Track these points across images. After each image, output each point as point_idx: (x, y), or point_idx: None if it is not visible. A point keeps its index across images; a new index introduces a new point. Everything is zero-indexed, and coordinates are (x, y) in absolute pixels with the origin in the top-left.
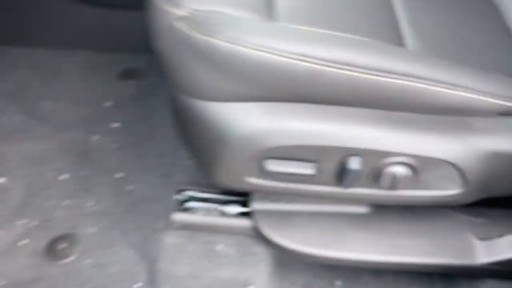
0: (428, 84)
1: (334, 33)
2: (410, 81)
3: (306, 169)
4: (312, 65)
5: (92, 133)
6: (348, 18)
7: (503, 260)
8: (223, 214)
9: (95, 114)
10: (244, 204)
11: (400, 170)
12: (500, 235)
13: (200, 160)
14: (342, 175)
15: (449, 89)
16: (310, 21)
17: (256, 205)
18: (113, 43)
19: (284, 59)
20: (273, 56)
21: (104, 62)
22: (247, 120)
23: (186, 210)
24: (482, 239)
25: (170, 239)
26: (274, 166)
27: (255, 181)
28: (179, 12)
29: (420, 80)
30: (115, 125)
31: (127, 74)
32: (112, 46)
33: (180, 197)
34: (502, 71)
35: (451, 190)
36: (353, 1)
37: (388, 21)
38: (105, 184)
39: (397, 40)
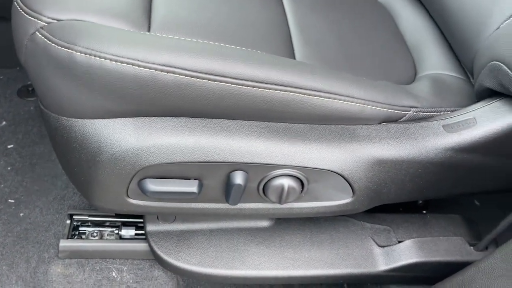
0: (307, 94)
1: (211, 43)
2: (289, 91)
3: (189, 187)
4: (178, 76)
5: None
6: (235, 30)
7: (401, 265)
8: (119, 237)
9: None
10: (141, 226)
11: (287, 182)
12: (400, 241)
13: (76, 182)
14: (227, 191)
15: (329, 98)
16: (190, 32)
17: (150, 227)
18: (10, 58)
19: (147, 70)
20: (134, 67)
21: (0, 79)
22: (118, 138)
23: (78, 235)
24: (382, 246)
25: (60, 269)
26: (154, 185)
27: (137, 202)
28: (41, 21)
29: (299, 90)
30: (10, 146)
31: (25, 91)
32: (9, 62)
33: (71, 222)
34: (391, 76)
35: (341, 200)
36: (244, 14)
37: (279, 32)
38: None
39: (288, 51)
